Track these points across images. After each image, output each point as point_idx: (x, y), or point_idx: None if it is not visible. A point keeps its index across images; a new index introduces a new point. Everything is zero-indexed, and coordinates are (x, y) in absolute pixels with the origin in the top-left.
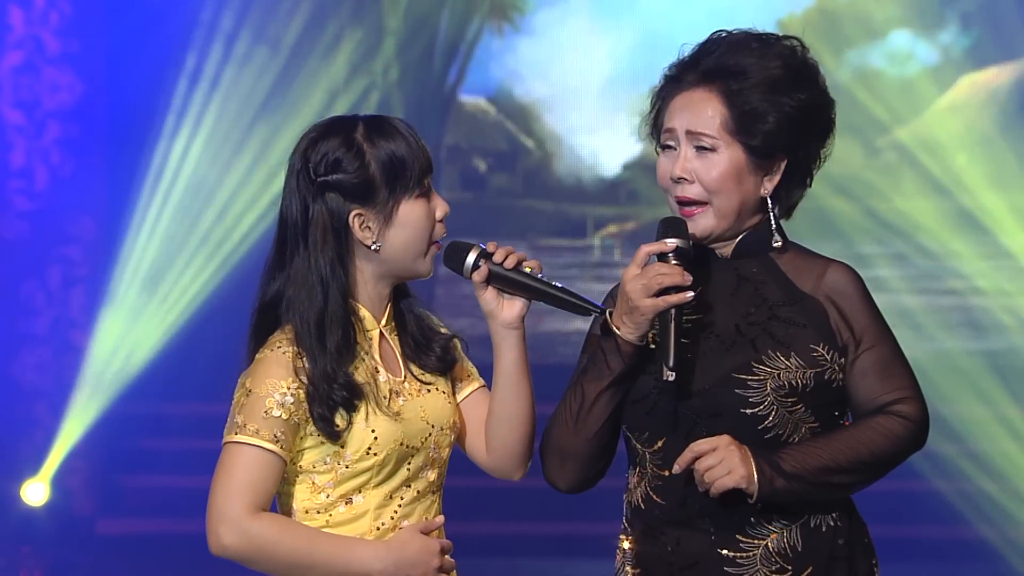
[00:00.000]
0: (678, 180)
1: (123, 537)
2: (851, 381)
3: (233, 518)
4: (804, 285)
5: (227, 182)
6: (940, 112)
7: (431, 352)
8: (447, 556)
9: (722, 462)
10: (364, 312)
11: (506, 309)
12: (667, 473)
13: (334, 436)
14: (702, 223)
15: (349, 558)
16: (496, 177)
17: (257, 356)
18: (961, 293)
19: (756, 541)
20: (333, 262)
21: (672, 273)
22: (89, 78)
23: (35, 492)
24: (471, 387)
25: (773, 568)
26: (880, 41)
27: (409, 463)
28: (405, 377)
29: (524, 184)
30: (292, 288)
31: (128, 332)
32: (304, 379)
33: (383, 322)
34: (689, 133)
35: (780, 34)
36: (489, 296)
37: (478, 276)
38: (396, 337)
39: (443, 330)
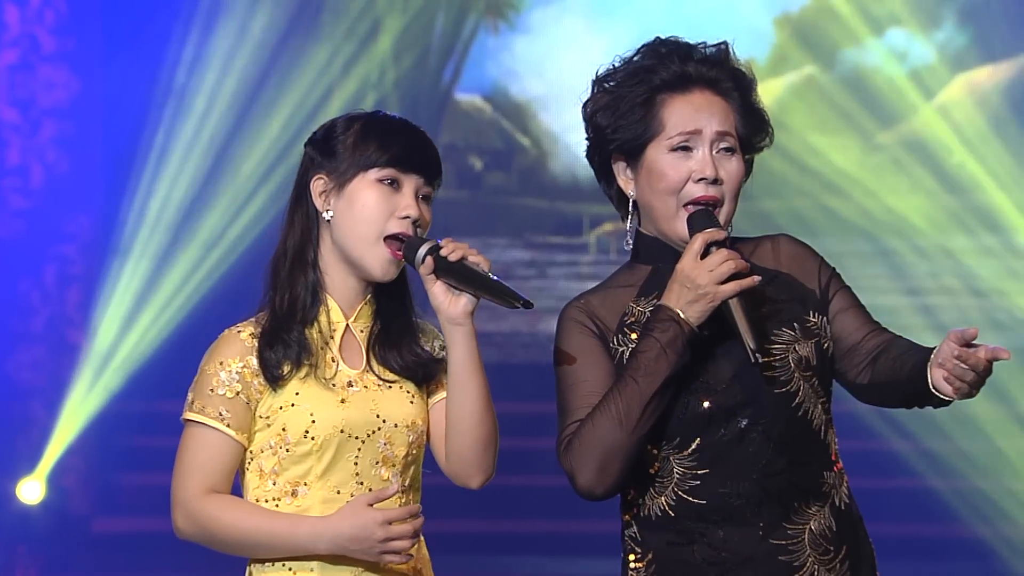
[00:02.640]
0: (713, 180)
1: (119, 535)
2: (837, 320)
3: (182, 500)
4: (767, 263)
5: (224, 181)
6: (935, 110)
7: (396, 355)
8: (404, 525)
9: (985, 379)
10: (332, 303)
11: (452, 304)
12: (705, 471)
13: (275, 380)
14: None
15: (289, 537)
16: (492, 175)
17: (219, 336)
18: (957, 292)
19: (801, 526)
20: (304, 220)
21: (736, 258)
22: (84, 76)
23: (31, 490)
24: (443, 394)
25: (820, 551)
26: (876, 39)
27: (356, 458)
28: (365, 370)
29: (520, 182)
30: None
31: (125, 330)
32: (255, 357)
33: (352, 319)
34: (719, 134)
35: (717, 43)
36: (437, 290)
37: (424, 268)
38: (364, 335)
39: (436, 344)
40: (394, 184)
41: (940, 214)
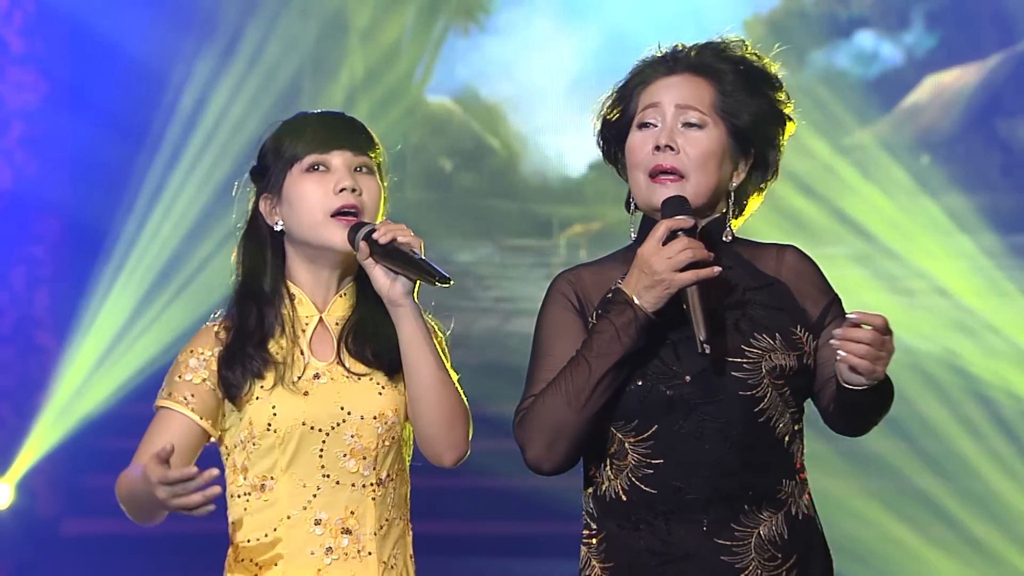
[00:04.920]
0: (664, 148)
1: (87, 537)
2: (824, 350)
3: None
4: (767, 269)
5: (192, 179)
6: (904, 113)
7: (369, 346)
8: (190, 496)
9: (884, 352)
10: (304, 298)
11: (391, 287)
12: (660, 461)
13: (232, 393)
14: (674, 192)
15: (139, 487)
16: (461, 177)
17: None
18: (923, 293)
19: (749, 529)
20: (256, 244)
21: (698, 247)
22: (53, 77)
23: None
24: None
25: (765, 556)
26: (845, 41)
27: (321, 450)
28: (334, 362)
29: (490, 184)
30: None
31: (98, 333)
32: (221, 347)
33: (326, 311)
34: (679, 106)
35: (748, 44)
36: (377, 274)
37: (360, 254)
38: (339, 327)
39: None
40: (321, 168)
41: (908, 217)
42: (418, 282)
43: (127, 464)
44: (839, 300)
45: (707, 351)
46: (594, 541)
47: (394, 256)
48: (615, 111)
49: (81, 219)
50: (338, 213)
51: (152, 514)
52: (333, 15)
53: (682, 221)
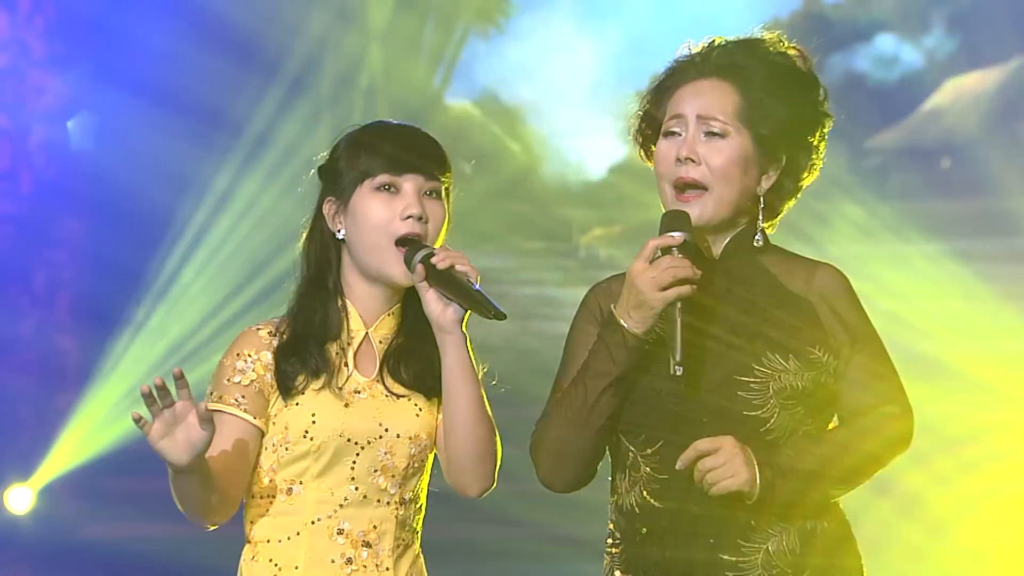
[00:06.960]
0: (685, 160)
1: (109, 541)
2: (842, 383)
3: None
4: (794, 286)
5: (212, 180)
6: (924, 116)
7: (409, 368)
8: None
9: (726, 465)
10: (353, 312)
11: (442, 313)
12: (665, 476)
13: (287, 385)
14: (698, 209)
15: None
16: (481, 180)
17: (239, 334)
18: (941, 297)
19: (757, 545)
20: (319, 247)
21: (683, 266)
22: (74, 81)
23: (19, 497)
24: None
25: (774, 572)
26: (865, 45)
27: (354, 463)
28: (375, 380)
29: (509, 187)
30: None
31: (124, 340)
32: (270, 353)
33: (373, 328)
34: (700, 117)
35: (785, 41)
36: (430, 298)
37: (416, 276)
38: (383, 345)
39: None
40: (392, 189)
41: (927, 221)
42: (469, 312)
43: (149, 469)
44: (864, 336)
45: (679, 372)
46: (616, 550)
47: (450, 284)
48: (647, 119)
49: (103, 223)
50: (401, 240)
51: (194, 490)
52: (352, 19)
53: (670, 239)
